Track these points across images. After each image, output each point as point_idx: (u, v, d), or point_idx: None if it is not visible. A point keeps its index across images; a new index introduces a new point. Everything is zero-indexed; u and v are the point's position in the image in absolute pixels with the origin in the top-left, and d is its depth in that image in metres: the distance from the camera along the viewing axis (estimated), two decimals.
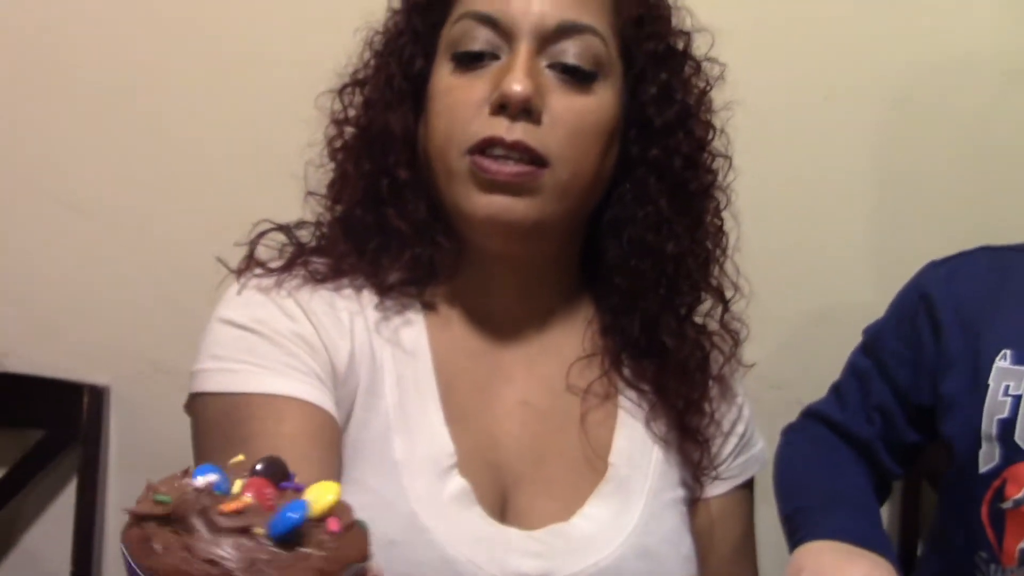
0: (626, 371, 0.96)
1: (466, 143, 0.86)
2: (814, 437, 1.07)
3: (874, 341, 1.07)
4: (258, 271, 0.90)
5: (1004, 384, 0.96)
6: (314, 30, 1.36)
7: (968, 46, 1.37)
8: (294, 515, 0.47)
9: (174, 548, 0.47)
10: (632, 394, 0.96)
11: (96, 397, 1.47)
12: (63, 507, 1.48)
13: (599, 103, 0.88)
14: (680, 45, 0.94)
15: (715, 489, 1.00)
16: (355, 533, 0.51)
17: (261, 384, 0.84)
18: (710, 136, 0.96)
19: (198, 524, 0.47)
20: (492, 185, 0.85)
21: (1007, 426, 0.94)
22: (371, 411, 0.88)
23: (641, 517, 0.92)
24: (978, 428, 0.96)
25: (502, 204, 0.86)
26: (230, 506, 0.47)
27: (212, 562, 0.46)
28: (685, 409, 0.96)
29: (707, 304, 0.98)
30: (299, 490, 0.50)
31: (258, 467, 0.51)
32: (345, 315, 0.89)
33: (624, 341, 0.95)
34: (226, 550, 0.46)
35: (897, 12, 1.38)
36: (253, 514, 0.48)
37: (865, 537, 0.93)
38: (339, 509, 0.50)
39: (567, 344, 0.96)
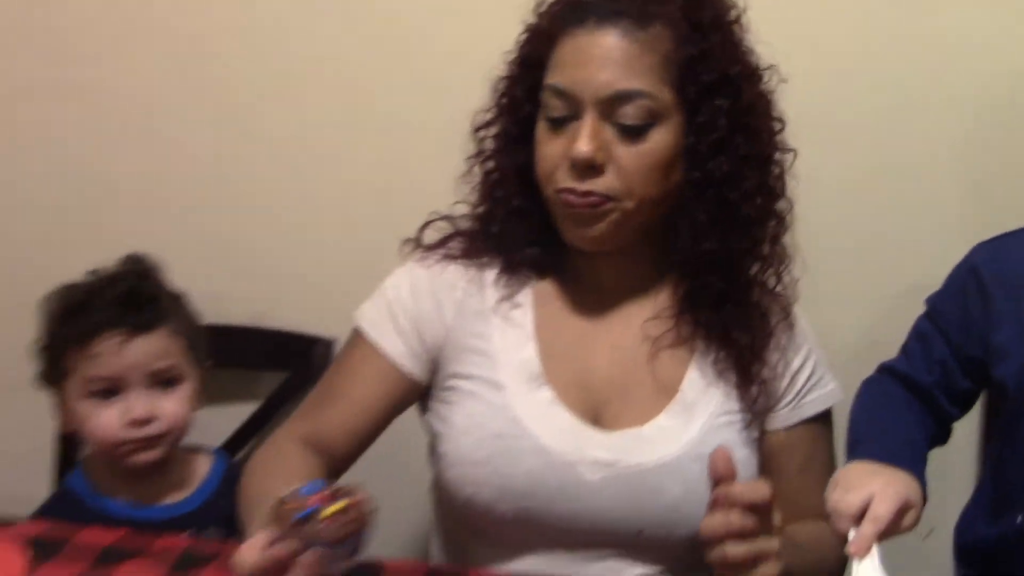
0: (700, 324, 1.18)
1: (554, 186, 1.14)
2: (883, 386, 1.23)
3: (933, 308, 1.22)
4: (418, 251, 1.26)
5: None
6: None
7: None
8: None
9: None
10: (702, 342, 1.19)
11: (326, 347, 1.81)
12: None
13: (655, 145, 1.12)
14: (735, 70, 1.13)
15: (782, 422, 1.19)
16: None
17: (376, 335, 1.22)
18: (766, 139, 1.16)
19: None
20: (575, 217, 1.15)
21: None
22: (481, 353, 1.18)
23: (700, 430, 1.16)
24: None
25: (579, 233, 1.15)
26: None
27: None
28: (745, 354, 1.17)
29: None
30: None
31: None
32: (462, 284, 1.22)
33: (698, 300, 1.18)
34: None
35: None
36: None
37: (893, 457, 1.09)
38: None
39: (653, 304, 1.21)
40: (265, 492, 1.05)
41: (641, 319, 1.21)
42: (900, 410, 1.21)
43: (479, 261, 1.24)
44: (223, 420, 1.74)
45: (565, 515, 1.14)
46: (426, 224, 1.30)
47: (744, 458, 1.17)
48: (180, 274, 1.45)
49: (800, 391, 1.22)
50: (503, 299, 1.22)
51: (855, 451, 1.16)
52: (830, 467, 1.22)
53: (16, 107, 1.85)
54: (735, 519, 0.93)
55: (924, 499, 1.10)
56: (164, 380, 1.35)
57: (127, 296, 1.34)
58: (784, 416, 1.21)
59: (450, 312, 1.23)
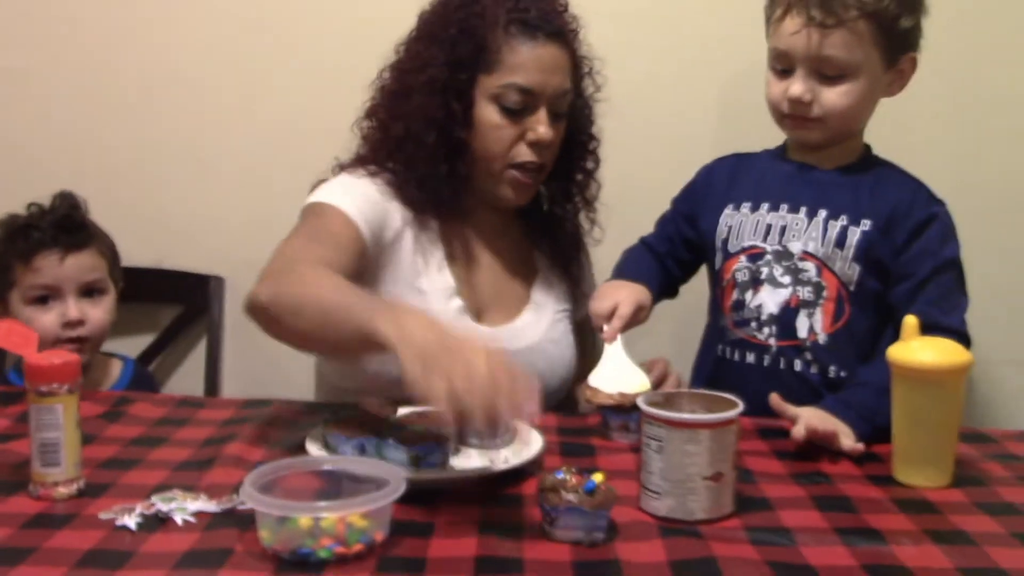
0: (542, 250, 1.69)
1: (510, 161, 1.54)
2: (634, 250, 1.71)
3: (675, 200, 1.71)
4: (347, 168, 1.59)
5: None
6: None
7: None
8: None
9: None
10: (545, 260, 1.70)
11: (218, 284, 2.15)
12: (197, 358, 2.18)
13: (562, 128, 1.59)
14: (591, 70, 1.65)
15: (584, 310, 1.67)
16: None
17: (336, 201, 1.49)
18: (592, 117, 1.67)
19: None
20: (520, 187, 1.57)
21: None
22: (400, 260, 1.55)
23: (549, 323, 1.66)
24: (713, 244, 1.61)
25: (517, 197, 1.60)
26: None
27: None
28: (568, 264, 1.70)
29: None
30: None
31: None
32: (393, 201, 1.55)
33: (540, 234, 1.69)
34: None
35: None
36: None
37: (635, 277, 1.58)
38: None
39: (512, 238, 1.69)
40: (347, 287, 1.27)
41: (505, 250, 1.67)
42: (640, 260, 1.67)
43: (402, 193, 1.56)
44: (128, 348, 2.07)
45: None
46: (339, 165, 1.61)
47: (571, 340, 1.69)
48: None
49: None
50: (419, 230, 1.57)
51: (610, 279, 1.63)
52: None
53: None
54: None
55: (653, 301, 1.56)
56: (91, 291, 1.68)
57: (62, 221, 1.66)
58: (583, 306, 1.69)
59: (393, 216, 1.53)
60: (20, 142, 2.15)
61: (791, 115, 1.52)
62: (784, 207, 1.54)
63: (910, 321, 1.25)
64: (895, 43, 1.48)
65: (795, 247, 1.51)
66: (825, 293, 1.50)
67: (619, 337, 1.45)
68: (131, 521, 1.07)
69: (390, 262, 1.54)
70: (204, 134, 2.14)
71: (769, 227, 1.54)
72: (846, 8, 1.43)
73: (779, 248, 1.52)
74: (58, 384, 1.13)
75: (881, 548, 1.05)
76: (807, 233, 1.51)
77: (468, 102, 1.52)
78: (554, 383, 1.61)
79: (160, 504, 1.11)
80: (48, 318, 1.64)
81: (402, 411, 1.34)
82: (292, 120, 2.11)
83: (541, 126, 1.52)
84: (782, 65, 1.51)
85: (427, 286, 1.56)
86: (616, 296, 1.49)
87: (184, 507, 1.11)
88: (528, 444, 1.28)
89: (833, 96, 1.48)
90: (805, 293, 1.50)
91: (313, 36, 2.09)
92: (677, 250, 1.68)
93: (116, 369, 1.79)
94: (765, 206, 1.55)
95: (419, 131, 1.52)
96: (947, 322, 1.41)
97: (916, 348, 1.23)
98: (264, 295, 1.29)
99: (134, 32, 2.12)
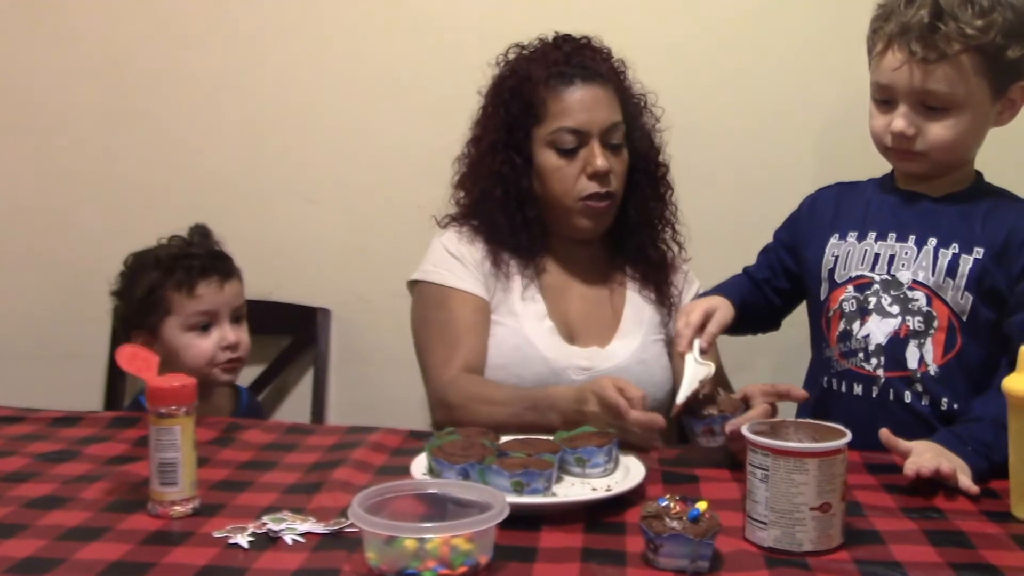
0: (634, 275, 1.77)
1: (579, 195, 1.68)
2: (735, 276, 1.69)
3: (777, 232, 1.71)
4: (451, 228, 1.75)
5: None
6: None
7: None
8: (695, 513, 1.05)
9: None
10: (636, 285, 1.76)
11: (325, 316, 2.22)
12: (304, 387, 2.25)
13: (625, 157, 1.72)
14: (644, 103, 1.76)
15: None
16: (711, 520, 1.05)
17: (454, 283, 1.69)
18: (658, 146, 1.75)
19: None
20: (594, 215, 1.70)
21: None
22: (507, 295, 1.70)
23: (640, 344, 1.72)
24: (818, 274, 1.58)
25: (591, 228, 1.73)
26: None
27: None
28: (660, 287, 1.76)
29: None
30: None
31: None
32: (487, 257, 1.73)
33: (629, 258, 1.77)
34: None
35: None
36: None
37: (719, 292, 1.57)
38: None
39: (601, 263, 1.78)
40: (507, 390, 1.57)
41: (595, 279, 1.78)
42: (733, 281, 1.66)
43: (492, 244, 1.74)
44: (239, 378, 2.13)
45: None
46: (445, 217, 1.79)
47: (665, 362, 1.76)
48: None
49: None
50: (521, 268, 1.73)
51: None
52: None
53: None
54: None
55: (738, 312, 1.53)
56: (238, 317, 1.76)
57: (214, 252, 1.76)
58: None
59: (485, 265, 1.72)
60: (136, 177, 2.25)
61: (895, 148, 1.49)
62: (892, 236, 1.51)
63: None
64: (1003, 73, 1.44)
65: (904, 276, 1.48)
66: (936, 323, 1.46)
67: (695, 347, 1.44)
68: (243, 540, 1.11)
69: (494, 296, 1.73)
70: (315, 170, 2.21)
71: (877, 256, 1.51)
72: (949, 43, 1.40)
73: (887, 277, 1.49)
74: (177, 406, 1.17)
75: None
76: (917, 262, 1.48)
77: (528, 154, 1.70)
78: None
79: (271, 524, 1.14)
80: (208, 343, 1.72)
81: (504, 438, 1.35)
82: (396, 155, 2.17)
83: (597, 159, 1.66)
84: (884, 97, 1.48)
85: (520, 310, 1.70)
86: (689, 309, 1.49)
87: (293, 528, 1.14)
88: (630, 471, 1.28)
89: (938, 130, 1.45)
90: (915, 323, 1.47)
91: (422, 71, 2.14)
92: (777, 278, 1.66)
93: (235, 398, 1.86)
94: (872, 235, 1.53)
95: (490, 188, 1.72)
96: None
97: None
98: (447, 423, 1.49)
99: (250, 71, 2.20)
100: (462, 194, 1.79)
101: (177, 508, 1.18)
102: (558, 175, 1.68)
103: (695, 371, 1.40)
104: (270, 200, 2.23)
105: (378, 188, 2.19)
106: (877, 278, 1.50)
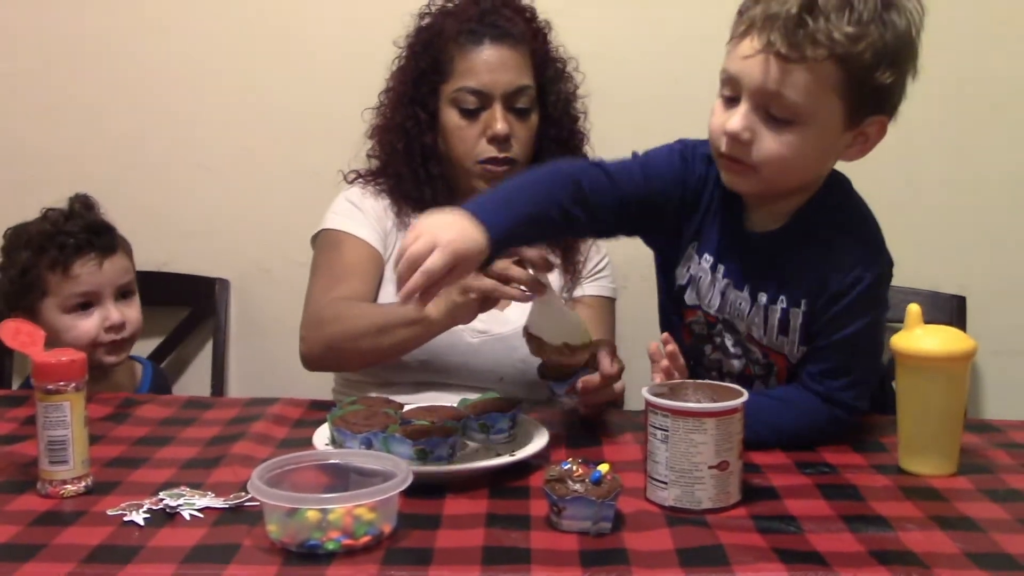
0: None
1: (477, 158, 1.65)
2: (562, 165, 1.37)
3: (649, 154, 1.41)
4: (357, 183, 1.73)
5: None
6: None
7: None
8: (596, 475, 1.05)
9: None
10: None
11: (223, 286, 2.17)
12: (203, 359, 2.20)
13: (533, 122, 1.70)
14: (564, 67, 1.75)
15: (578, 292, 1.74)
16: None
17: (350, 228, 1.65)
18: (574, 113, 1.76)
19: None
20: (492, 179, 1.64)
21: None
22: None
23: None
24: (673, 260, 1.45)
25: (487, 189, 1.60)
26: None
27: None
28: (565, 252, 1.73)
29: None
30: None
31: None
32: (390, 210, 1.68)
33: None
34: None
35: None
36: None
37: (482, 209, 1.21)
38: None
39: None
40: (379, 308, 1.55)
41: None
42: (543, 181, 1.32)
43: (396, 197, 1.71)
44: (136, 350, 2.07)
45: (452, 365, 1.63)
46: (352, 173, 1.77)
47: None
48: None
49: (588, 275, 1.77)
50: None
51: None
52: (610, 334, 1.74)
53: None
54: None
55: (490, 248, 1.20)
56: (124, 293, 1.69)
57: (93, 226, 1.65)
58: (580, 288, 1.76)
59: (386, 221, 1.69)
60: (22, 145, 2.16)
61: (727, 155, 1.29)
62: (732, 280, 1.37)
63: (913, 309, 1.25)
64: (863, 99, 1.24)
65: (741, 327, 1.38)
66: (775, 369, 1.40)
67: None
68: (138, 517, 1.08)
69: (393, 253, 1.65)
70: (210, 137, 2.15)
71: (723, 295, 1.38)
72: (813, 44, 1.19)
73: (729, 321, 1.39)
74: (65, 382, 1.13)
75: (887, 534, 1.05)
76: (750, 317, 1.36)
77: (434, 110, 1.69)
78: (532, 369, 1.60)
79: (168, 500, 1.11)
80: (90, 323, 1.65)
81: (408, 406, 1.34)
82: (298, 125, 2.13)
83: (497, 122, 1.64)
84: (730, 92, 1.27)
85: None
86: (436, 238, 1.16)
87: (192, 503, 1.11)
88: (534, 437, 1.29)
89: (773, 143, 1.25)
90: (756, 369, 1.41)
91: (319, 40, 2.11)
92: (626, 205, 1.36)
93: (139, 372, 1.80)
94: (721, 269, 1.38)
95: (393, 140, 1.70)
96: (839, 396, 1.33)
97: (920, 336, 1.23)
98: (316, 349, 1.53)
99: (140, 35, 2.13)
100: (372, 143, 1.76)
101: (68, 487, 1.14)
102: (459, 135, 1.67)
103: (562, 320, 1.35)
104: (163, 167, 2.16)
105: (275, 154, 2.14)
106: (721, 318, 1.39)
